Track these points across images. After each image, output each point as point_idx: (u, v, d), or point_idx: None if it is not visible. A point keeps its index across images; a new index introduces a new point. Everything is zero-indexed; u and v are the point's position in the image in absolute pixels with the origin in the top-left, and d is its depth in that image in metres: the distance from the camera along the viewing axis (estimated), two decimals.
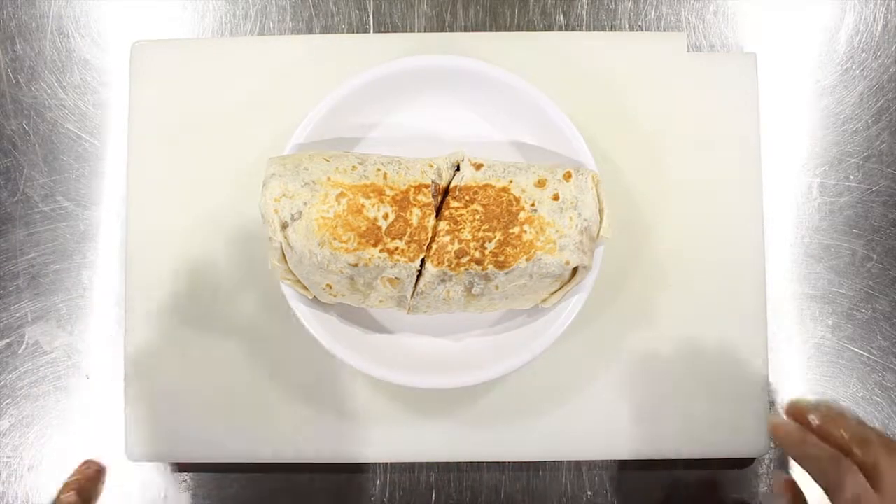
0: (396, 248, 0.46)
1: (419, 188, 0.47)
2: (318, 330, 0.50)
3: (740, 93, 0.58)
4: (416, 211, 0.47)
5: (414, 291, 0.48)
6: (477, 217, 0.47)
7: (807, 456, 0.45)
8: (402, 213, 0.46)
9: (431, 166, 0.49)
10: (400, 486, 0.58)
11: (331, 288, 0.48)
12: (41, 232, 0.60)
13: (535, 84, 0.52)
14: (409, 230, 0.46)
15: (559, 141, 0.52)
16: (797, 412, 0.47)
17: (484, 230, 0.47)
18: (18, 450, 0.58)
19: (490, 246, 0.46)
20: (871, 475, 0.42)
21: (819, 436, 0.45)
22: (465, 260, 0.46)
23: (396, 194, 0.47)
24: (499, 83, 0.52)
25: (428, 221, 0.47)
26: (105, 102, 0.61)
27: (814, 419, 0.46)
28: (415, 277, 0.47)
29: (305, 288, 0.50)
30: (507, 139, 0.55)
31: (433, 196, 0.48)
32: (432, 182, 0.48)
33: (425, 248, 0.47)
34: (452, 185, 0.49)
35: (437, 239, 0.47)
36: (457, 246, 0.47)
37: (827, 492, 0.43)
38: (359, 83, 0.52)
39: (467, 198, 0.48)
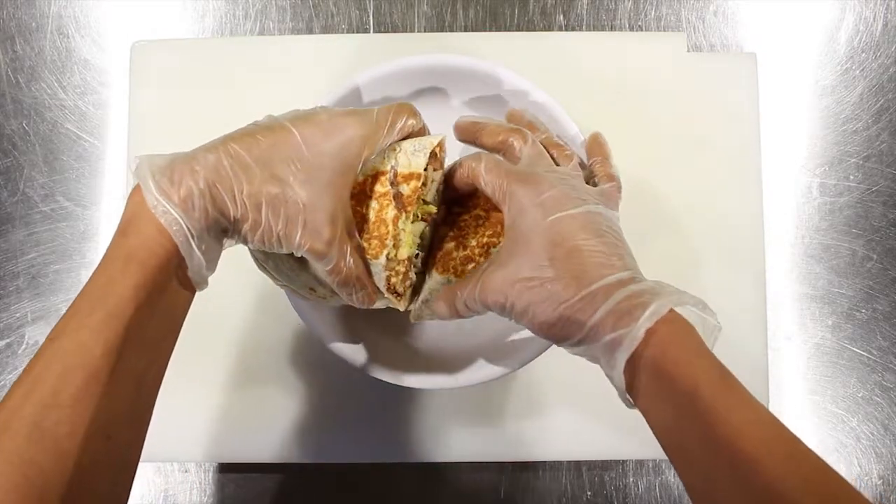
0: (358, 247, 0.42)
1: (377, 177, 0.43)
2: (319, 327, 0.50)
3: (740, 93, 0.58)
4: (373, 204, 0.43)
5: (417, 299, 0.47)
6: (480, 222, 0.47)
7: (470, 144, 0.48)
8: (357, 209, 0.42)
9: (394, 150, 0.44)
10: (399, 487, 0.58)
11: (314, 291, 0.45)
12: (41, 232, 0.60)
13: (536, 84, 0.52)
14: (365, 227, 0.43)
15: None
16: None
17: (489, 236, 0.46)
18: None
19: (495, 251, 0.46)
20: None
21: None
22: (470, 266, 0.46)
23: (355, 187, 0.43)
24: (498, 81, 0.52)
25: (386, 214, 0.42)
26: (105, 102, 0.61)
27: (486, 123, 0.48)
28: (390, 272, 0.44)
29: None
30: None
31: (391, 184, 0.43)
32: (391, 168, 0.43)
33: (388, 242, 0.42)
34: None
35: (442, 246, 0.46)
36: (462, 253, 0.46)
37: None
38: (358, 83, 0.52)
39: (470, 203, 0.47)
